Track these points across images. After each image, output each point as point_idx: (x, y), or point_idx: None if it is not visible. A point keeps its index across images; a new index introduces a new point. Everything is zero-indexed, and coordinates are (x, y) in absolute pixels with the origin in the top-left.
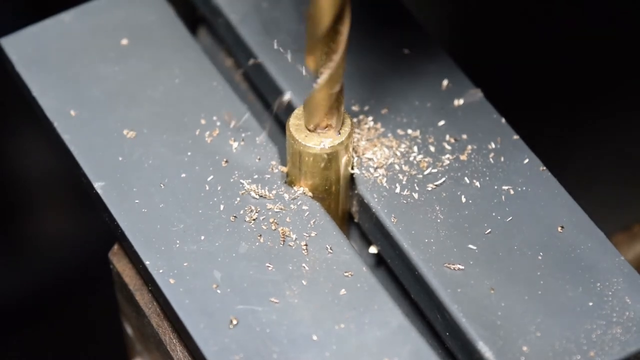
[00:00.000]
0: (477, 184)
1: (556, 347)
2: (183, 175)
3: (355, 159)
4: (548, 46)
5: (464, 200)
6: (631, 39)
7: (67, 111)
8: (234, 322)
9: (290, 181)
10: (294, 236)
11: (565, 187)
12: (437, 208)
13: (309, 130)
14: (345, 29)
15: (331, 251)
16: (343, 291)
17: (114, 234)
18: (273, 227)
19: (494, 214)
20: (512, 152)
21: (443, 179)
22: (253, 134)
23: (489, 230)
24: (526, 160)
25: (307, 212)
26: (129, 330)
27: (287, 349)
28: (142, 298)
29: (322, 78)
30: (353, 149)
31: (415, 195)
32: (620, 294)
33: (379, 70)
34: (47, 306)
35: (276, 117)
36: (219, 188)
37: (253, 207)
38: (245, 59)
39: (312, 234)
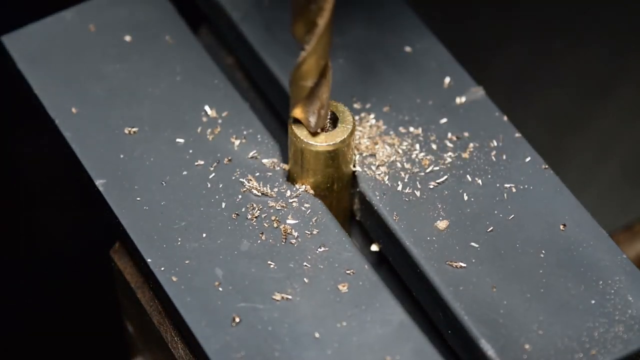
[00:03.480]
0: (479, 181)
1: (558, 345)
2: (184, 172)
3: (357, 156)
4: (549, 43)
5: (466, 198)
6: (631, 37)
7: (68, 108)
8: (236, 319)
9: (292, 179)
10: (295, 234)
11: (567, 185)
12: (439, 206)
13: (311, 132)
14: None
15: (333, 249)
16: (345, 289)
17: (115, 232)
18: (275, 225)
19: (496, 212)
20: (514, 150)
21: (445, 176)
22: (254, 132)
23: (491, 228)
24: (528, 159)
25: (309, 210)
26: (130, 328)
27: (289, 346)
28: (144, 296)
29: (310, 44)
30: (355, 146)
31: (417, 193)
32: (623, 292)
33: (380, 68)
34: (47, 306)
35: (278, 115)
36: (220, 186)
37: (255, 205)
38: (246, 56)
39: (314, 232)
